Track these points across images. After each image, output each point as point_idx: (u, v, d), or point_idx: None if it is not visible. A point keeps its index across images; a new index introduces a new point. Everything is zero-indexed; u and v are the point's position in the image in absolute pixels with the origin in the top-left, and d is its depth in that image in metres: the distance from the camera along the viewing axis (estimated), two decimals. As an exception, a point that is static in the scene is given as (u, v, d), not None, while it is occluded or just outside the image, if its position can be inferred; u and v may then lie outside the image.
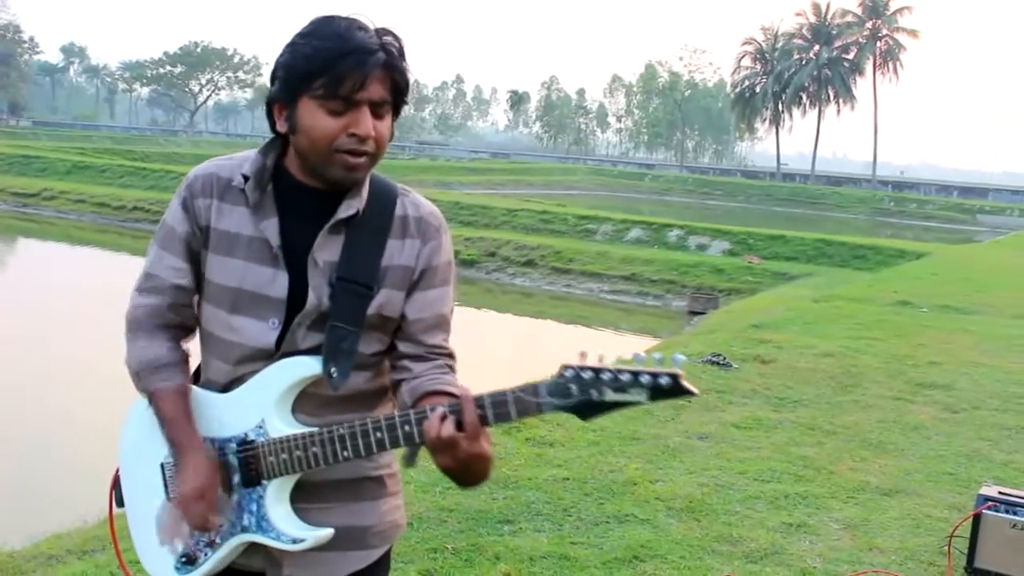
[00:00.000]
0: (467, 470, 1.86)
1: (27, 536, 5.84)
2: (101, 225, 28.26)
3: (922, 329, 12.60)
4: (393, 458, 2.21)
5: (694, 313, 18.43)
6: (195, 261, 2.12)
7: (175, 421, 2.08)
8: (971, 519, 4.87)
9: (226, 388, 2.10)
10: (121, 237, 26.60)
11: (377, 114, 1.96)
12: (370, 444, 1.92)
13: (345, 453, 1.94)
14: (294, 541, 2.01)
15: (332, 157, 1.95)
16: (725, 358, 9.64)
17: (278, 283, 2.02)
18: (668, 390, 1.69)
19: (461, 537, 4.98)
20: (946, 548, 5.05)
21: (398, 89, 1.98)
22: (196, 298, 2.17)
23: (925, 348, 11.13)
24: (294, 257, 2.02)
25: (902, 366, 9.96)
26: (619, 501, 5.63)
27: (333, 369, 1.98)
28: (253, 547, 2.09)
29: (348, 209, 2.01)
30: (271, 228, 2.03)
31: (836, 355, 10.29)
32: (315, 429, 1.98)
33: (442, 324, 2.10)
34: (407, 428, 1.88)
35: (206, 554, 2.10)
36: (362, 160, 1.97)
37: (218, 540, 2.08)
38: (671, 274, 21.73)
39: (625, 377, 1.71)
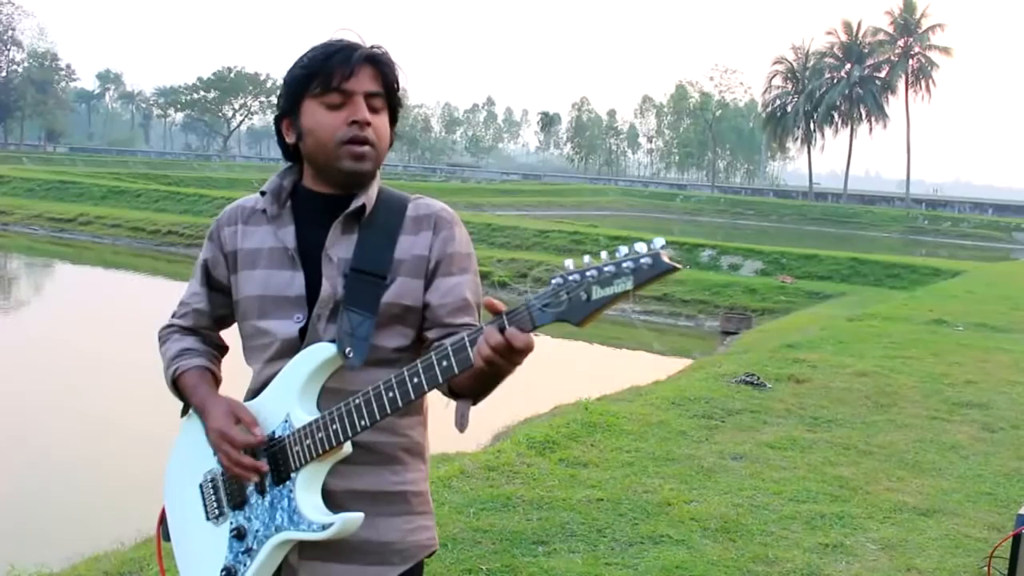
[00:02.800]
0: (502, 374, 1.89)
1: (65, 558, 5.91)
2: (136, 249, 28.52)
3: (958, 348, 12.48)
4: (420, 477, 2.23)
5: (727, 333, 18.34)
6: (216, 288, 2.30)
7: (195, 387, 2.22)
8: (1011, 539, 4.81)
9: (259, 391, 2.18)
10: (156, 261, 26.84)
11: (372, 107, 2.12)
12: (393, 399, 1.95)
13: (363, 422, 1.98)
14: (323, 527, 2.03)
15: (339, 150, 2.11)
16: (759, 378, 9.60)
17: (296, 282, 2.15)
18: (650, 269, 1.69)
19: (495, 558, 4.98)
20: (985, 569, 4.99)
21: (388, 85, 2.14)
22: (224, 327, 2.35)
23: (961, 367, 11.02)
24: (309, 257, 2.15)
25: (938, 385, 9.87)
26: (653, 522, 5.61)
27: (349, 350, 2.05)
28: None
29: (356, 202, 2.14)
30: (288, 235, 2.18)
31: (871, 374, 10.21)
32: (332, 408, 2.03)
33: (466, 307, 2.16)
34: (445, 363, 1.90)
35: (245, 564, 2.13)
36: (365, 148, 2.11)
37: (255, 546, 2.11)
38: (703, 294, 21.65)
39: (609, 269, 1.71)
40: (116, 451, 9.26)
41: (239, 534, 2.14)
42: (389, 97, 2.16)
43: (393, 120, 2.20)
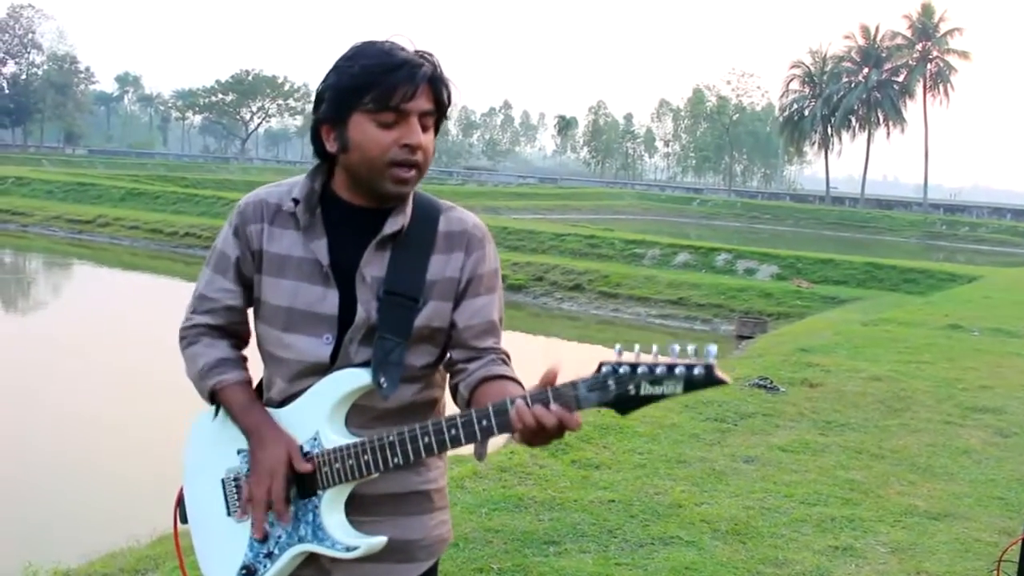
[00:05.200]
0: (545, 440, 1.89)
1: (81, 555, 5.97)
2: (154, 251, 28.67)
3: (973, 353, 12.46)
4: (440, 473, 2.27)
5: (742, 337, 18.32)
6: (246, 284, 2.24)
7: (245, 408, 2.18)
8: (1020, 543, 4.83)
9: (283, 404, 2.18)
10: (173, 263, 26.97)
11: (424, 126, 2.06)
12: (430, 445, 1.97)
13: (396, 459, 2.00)
14: (348, 549, 2.08)
15: (385, 171, 2.05)
16: (772, 382, 9.61)
17: (328, 301, 2.11)
18: (702, 381, 1.72)
19: (506, 558, 5.02)
20: (995, 573, 5.00)
21: (441, 102, 2.08)
22: (249, 317, 2.30)
23: (976, 372, 11.01)
24: (343, 274, 2.11)
25: (952, 390, 9.87)
26: (664, 523, 5.64)
27: (383, 379, 2.06)
28: (307, 559, 2.15)
29: (394, 225, 2.11)
30: (321, 248, 2.12)
31: (885, 379, 10.21)
32: (366, 438, 2.05)
33: (492, 330, 2.16)
34: (485, 422, 1.91)
35: (265, 566, 2.16)
36: (412, 173, 2.07)
37: (276, 551, 2.15)
38: (719, 298, 21.63)
39: (660, 370, 1.74)
40: (131, 451, 9.34)
41: (263, 536, 2.16)
42: (439, 114, 2.11)
43: (437, 132, 2.15)
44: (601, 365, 1.79)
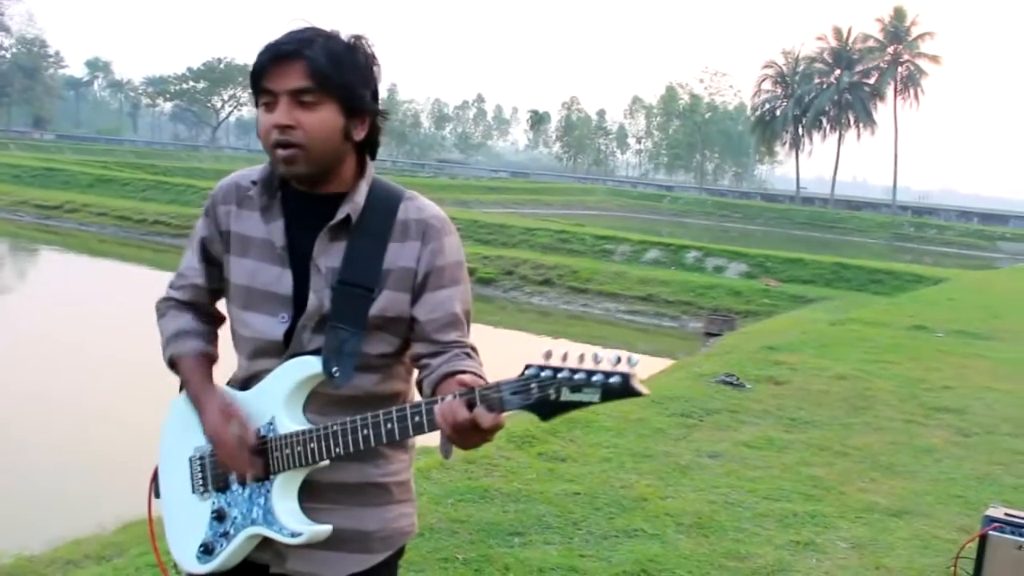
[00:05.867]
0: (472, 441, 1.91)
1: (46, 541, 5.95)
2: (122, 238, 28.47)
3: (937, 354, 12.60)
4: (404, 467, 2.28)
5: (710, 335, 18.42)
6: (214, 264, 2.29)
7: (192, 379, 2.25)
8: (977, 539, 4.90)
9: (245, 385, 2.22)
10: (141, 250, 26.79)
11: (304, 104, 2.05)
12: (367, 437, 2.00)
13: (338, 449, 2.04)
14: (293, 535, 2.10)
15: (273, 153, 2.09)
16: (738, 378, 9.69)
17: (283, 282, 2.15)
18: (618, 390, 1.72)
19: (471, 548, 5.05)
20: (952, 569, 5.08)
21: (320, 75, 2.04)
22: (220, 298, 2.34)
23: (939, 372, 11.14)
24: (299, 259, 2.15)
25: (915, 390, 9.98)
26: (629, 516, 5.69)
27: (335, 369, 2.08)
28: (264, 541, 2.18)
29: (342, 212, 2.12)
30: (277, 230, 2.17)
31: (850, 378, 10.32)
32: (315, 426, 2.08)
33: (454, 323, 2.16)
34: (417, 419, 1.94)
35: (221, 545, 2.20)
36: (290, 152, 2.06)
37: (231, 531, 2.18)
38: (688, 295, 21.75)
39: (579, 377, 1.74)
40: (96, 437, 9.29)
41: (219, 516, 2.20)
42: (331, 88, 2.06)
43: (353, 110, 2.10)
44: (526, 368, 1.80)
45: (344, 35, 2.12)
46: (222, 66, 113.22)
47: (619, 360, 1.74)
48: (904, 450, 7.66)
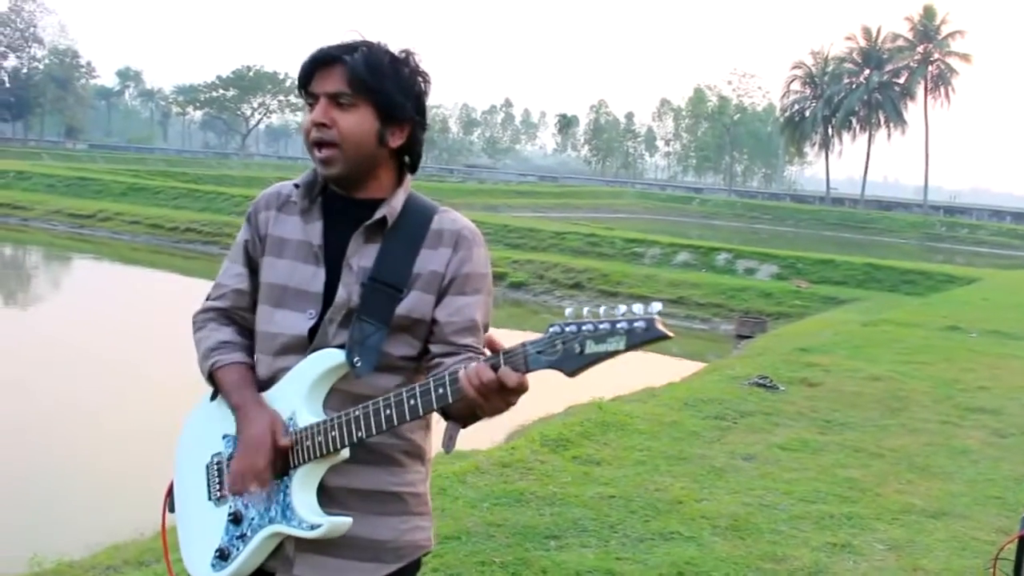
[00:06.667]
0: (494, 409, 1.94)
1: (85, 547, 6.01)
2: (154, 246, 28.65)
3: (971, 354, 12.51)
4: (420, 479, 2.28)
5: (742, 337, 18.37)
6: (253, 269, 2.33)
7: (236, 386, 2.24)
8: (1016, 541, 4.87)
9: (267, 384, 2.24)
10: (173, 258, 26.98)
11: (340, 105, 2.14)
12: (390, 417, 2.02)
13: (359, 433, 2.06)
14: (312, 527, 2.11)
15: (313, 154, 2.17)
16: (772, 380, 9.67)
17: (316, 280, 2.20)
18: (642, 334, 1.74)
19: (508, 551, 5.07)
20: (991, 570, 5.05)
21: (358, 81, 2.13)
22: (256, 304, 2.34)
23: (974, 373, 11.07)
24: (334, 260, 2.20)
25: (950, 391, 9.92)
26: (664, 519, 5.70)
27: (357, 359, 2.11)
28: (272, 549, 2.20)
29: (377, 215, 2.18)
30: (315, 231, 2.22)
31: (884, 379, 10.27)
32: (334, 415, 2.10)
33: (472, 328, 2.18)
34: (440, 390, 1.96)
35: (238, 548, 2.20)
36: (327, 152, 2.15)
37: (249, 533, 2.19)
38: (719, 298, 21.67)
39: (603, 327, 1.76)
40: (135, 444, 9.36)
41: (236, 519, 2.21)
42: (367, 91, 2.14)
43: (389, 116, 2.17)
44: (550, 327, 1.82)
45: (393, 48, 2.19)
46: (251, 74, 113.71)
47: (641, 308, 1.76)
48: (940, 451, 7.62)
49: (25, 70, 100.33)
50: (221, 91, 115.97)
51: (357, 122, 2.14)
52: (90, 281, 23.27)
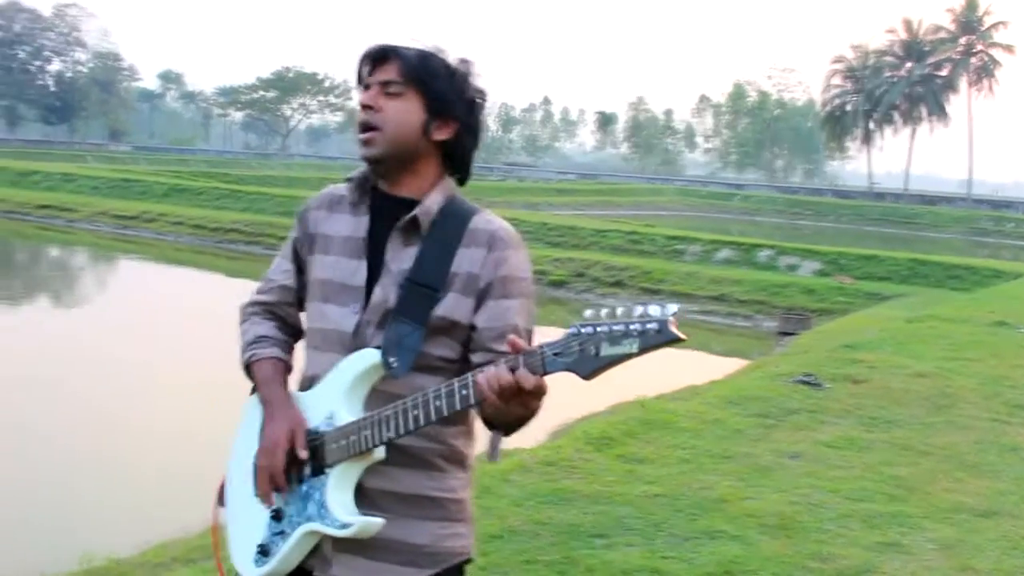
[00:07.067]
0: (519, 414, 1.97)
1: (134, 545, 6.09)
2: (197, 246, 28.88)
3: (1020, 350, 12.35)
4: (460, 485, 2.28)
5: (785, 334, 18.23)
6: (300, 267, 2.38)
7: (267, 381, 2.30)
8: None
9: (313, 381, 2.27)
10: (216, 258, 27.18)
11: (390, 93, 2.20)
12: (417, 417, 2.04)
13: (388, 432, 2.07)
14: (344, 526, 2.12)
15: (359, 139, 2.23)
16: (816, 378, 9.60)
17: (359, 274, 2.23)
18: (656, 335, 1.73)
19: (554, 550, 5.07)
20: (1044, 569, 4.99)
21: (407, 69, 2.20)
22: (303, 308, 2.39)
23: (1022, 369, 10.92)
24: (375, 256, 2.23)
25: (999, 387, 9.80)
26: (710, 517, 5.67)
27: (393, 359, 2.13)
28: (312, 547, 2.22)
29: (412, 214, 2.21)
30: (361, 226, 2.26)
31: (930, 375, 10.16)
32: (368, 414, 2.12)
33: (513, 334, 2.13)
34: (464, 391, 1.98)
35: (278, 545, 2.23)
36: (369, 134, 2.20)
37: (288, 530, 2.21)
38: (761, 295, 21.54)
39: (618, 329, 1.76)
40: (179, 445, 9.44)
41: (277, 516, 2.23)
42: (415, 81, 2.20)
43: (436, 109, 2.22)
44: (570, 328, 1.83)
45: (451, 55, 2.26)
46: (291, 75, 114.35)
47: (658, 309, 1.75)
48: (990, 449, 7.54)
49: (69, 74, 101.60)
50: (261, 92, 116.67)
51: (403, 108, 2.20)
52: (135, 282, 23.48)
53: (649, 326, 1.73)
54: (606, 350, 1.76)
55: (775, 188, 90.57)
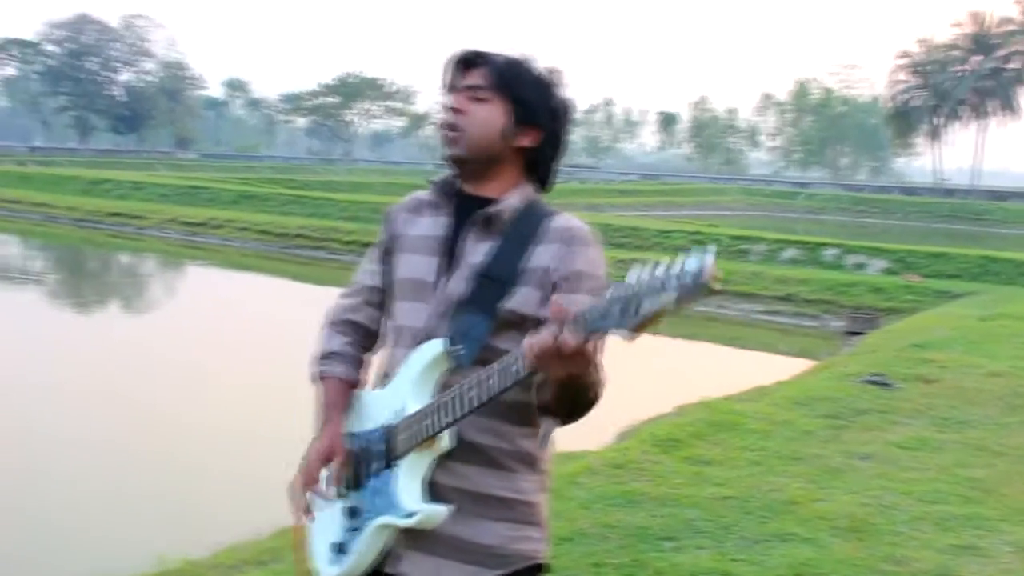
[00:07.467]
0: (574, 383, 1.98)
1: (206, 547, 6.16)
2: (264, 252, 29.19)
3: (1096, 348, 12.08)
4: (532, 487, 2.27)
5: (852, 333, 18.01)
6: (386, 269, 2.42)
7: (326, 402, 2.37)
8: None
9: (386, 378, 2.32)
10: (282, 263, 27.45)
11: (476, 98, 2.25)
12: (472, 399, 2.05)
13: (446, 418, 2.09)
14: (410, 514, 2.13)
15: (441, 138, 2.27)
16: (886, 378, 9.47)
17: (434, 270, 2.27)
18: (691, 285, 1.69)
19: (622, 553, 5.05)
20: None
21: (494, 75, 2.24)
22: (385, 303, 2.43)
23: (1100, 367, 10.68)
24: (451, 253, 2.27)
25: (1076, 386, 9.59)
26: (781, 520, 5.62)
27: (458, 347, 2.16)
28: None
29: (490, 208, 2.24)
30: (441, 225, 2.30)
31: (1004, 375, 9.98)
32: (431, 401, 2.13)
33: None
34: (515, 366, 1.97)
35: (353, 542, 2.26)
36: (450, 134, 2.24)
37: (361, 526, 2.24)
38: (827, 294, 21.28)
39: (656, 282, 1.73)
40: (249, 448, 9.55)
41: (352, 513, 2.27)
42: (502, 87, 2.24)
43: (521, 116, 2.26)
44: (609, 289, 1.81)
45: (539, 63, 2.31)
46: (354, 80, 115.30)
47: (695, 259, 1.71)
48: (1067, 450, 7.38)
49: (138, 84, 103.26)
50: (324, 98, 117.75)
51: (488, 113, 2.24)
52: (203, 287, 23.83)
53: (686, 274, 1.70)
54: (645, 305, 1.74)
55: (840, 186, 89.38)
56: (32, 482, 8.48)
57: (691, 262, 1.71)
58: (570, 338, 1.84)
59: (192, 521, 7.66)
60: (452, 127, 2.25)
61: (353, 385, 2.40)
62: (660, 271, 1.74)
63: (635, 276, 1.77)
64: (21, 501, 8.09)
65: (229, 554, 5.88)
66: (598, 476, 6.26)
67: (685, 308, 1.74)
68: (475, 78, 2.26)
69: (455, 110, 2.25)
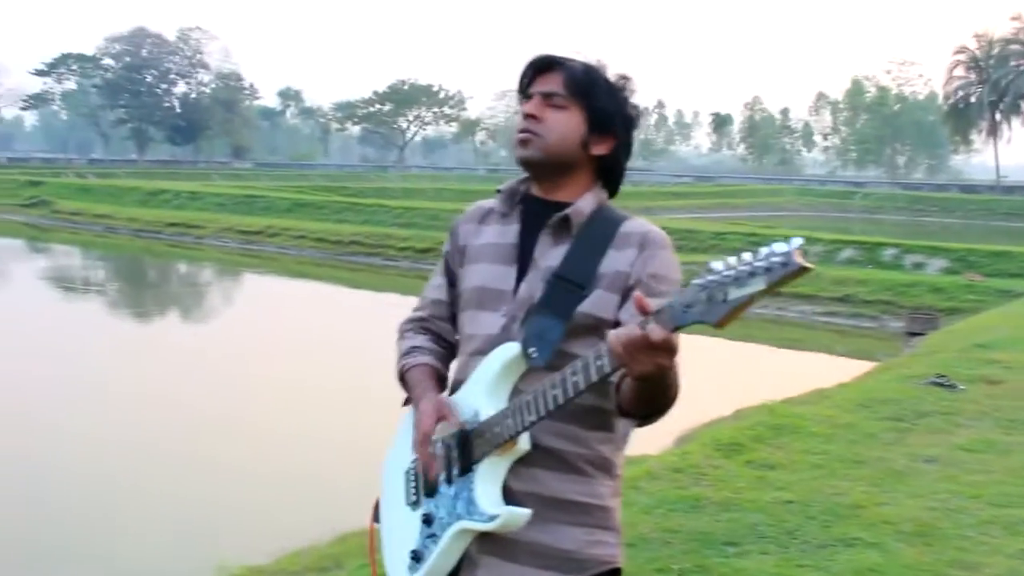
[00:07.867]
0: (655, 381, 1.94)
1: (267, 553, 6.23)
2: (319, 259, 29.44)
3: None
4: (608, 492, 2.26)
5: (912, 334, 17.76)
6: (452, 281, 2.42)
7: (416, 384, 2.34)
8: None
9: (459, 385, 2.30)
10: (338, 270, 27.67)
11: (553, 105, 2.25)
12: (556, 396, 2.02)
13: (530, 417, 2.06)
14: (491, 518, 2.11)
15: (515, 141, 2.27)
16: (950, 379, 9.33)
17: (509, 278, 2.26)
18: (782, 268, 1.66)
19: (686, 558, 5.03)
20: None
21: (572, 86, 2.23)
22: (455, 317, 2.42)
23: None
24: (525, 260, 2.26)
25: None
26: (845, 524, 5.56)
27: (532, 350, 2.13)
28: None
29: (565, 211, 2.24)
30: (511, 233, 2.30)
31: (1072, 375, 9.79)
32: (511, 404, 2.12)
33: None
34: (599, 361, 1.94)
35: (430, 549, 2.24)
36: (524, 135, 2.24)
37: (439, 532, 2.22)
38: (886, 294, 21.02)
39: (744, 269, 1.70)
40: (309, 455, 9.61)
41: (428, 520, 2.25)
42: (580, 95, 2.24)
43: (598, 124, 2.26)
44: (694, 280, 1.80)
45: (612, 70, 2.31)
46: (406, 87, 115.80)
47: (783, 245, 1.69)
48: None
49: (194, 95, 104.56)
50: (377, 106, 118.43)
51: (565, 121, 2.25)
52: (260, 295, 24.07)
53: (774, 260, 1.68)
54: (734, 293, 1.72)
55: (897, 185, 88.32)
56: (95, 488, 8.63)
57: (779, 246, 1.70)
58: (657, 329, 1.82)
59: (251, 528, 7.74)
60: (526, 130, 2.26)
61: (441, 376, 2.39)
62: (747, 258, 1.72)
63: (721, 265, 1.76)
64: (85, 507, 8.23)
65: (291, 560, 5.93)
66: (659, 481, 6.23)
67: (774, 294, 1.73)
68: (551, 84, 2.26)
69: (533, 116, 2.25)
